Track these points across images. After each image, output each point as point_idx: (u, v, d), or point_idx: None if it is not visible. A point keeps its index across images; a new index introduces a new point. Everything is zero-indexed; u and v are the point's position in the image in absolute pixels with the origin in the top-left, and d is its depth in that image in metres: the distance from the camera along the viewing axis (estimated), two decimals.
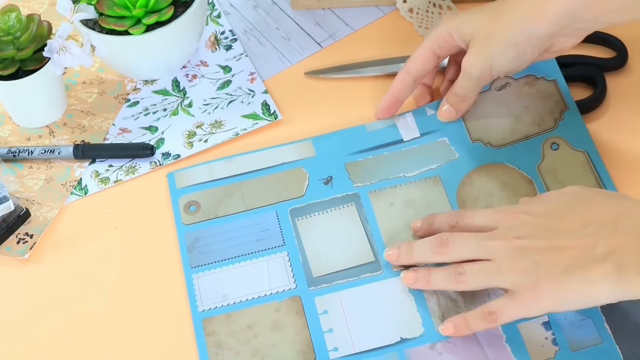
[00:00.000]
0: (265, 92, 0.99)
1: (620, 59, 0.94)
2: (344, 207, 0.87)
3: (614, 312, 0.77)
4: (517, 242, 0.76)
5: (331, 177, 0.89)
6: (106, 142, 0.97)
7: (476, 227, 0.80)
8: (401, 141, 0.91)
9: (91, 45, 0.95)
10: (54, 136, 0.98)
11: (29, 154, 0.95)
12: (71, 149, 0.95)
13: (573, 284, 0.72)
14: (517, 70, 0.86)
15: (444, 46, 0.89)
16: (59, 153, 0.95)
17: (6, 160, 0.96)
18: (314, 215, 0.87)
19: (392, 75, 0.97)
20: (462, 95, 0.89)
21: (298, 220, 0.87)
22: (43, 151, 0.95)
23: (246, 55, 1.03)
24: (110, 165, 0.96)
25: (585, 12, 0.82)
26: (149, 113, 0.99)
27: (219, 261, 0.86)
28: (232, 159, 0.93)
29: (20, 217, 0.91)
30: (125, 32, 0.95)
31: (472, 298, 0.79)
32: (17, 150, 0.96)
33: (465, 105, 0.90)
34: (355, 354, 0.79)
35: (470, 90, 0.88)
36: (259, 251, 0.86)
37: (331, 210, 0.87)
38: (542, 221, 0.76)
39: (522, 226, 0.77)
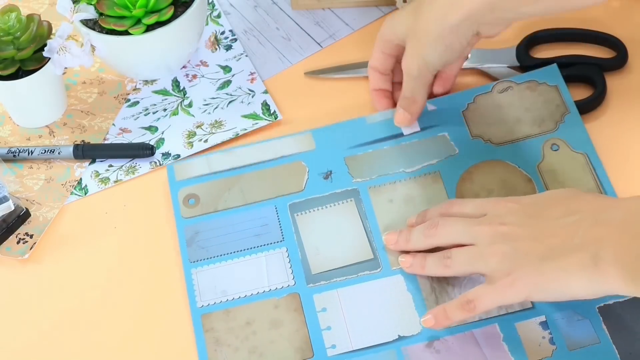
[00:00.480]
0: (265, 92, 0.99)
1: (620, 58, 0.94)
2: (343, 202, 0.87)
3: (610, 312, 0.77)
4: (501, 228, 0.77)
5: (330, 171, 0.89)
6: (106, 142, 0.97)
7: (465, 214, 0.81)
8: (401, 135, 0.91)
9: (91, 45, 0.95)
10: (54, 136, 0.98)
11: (29, 154, 0.96)
12: (71, 149, 0.95)
13: (549, 272, 0.72)
14: (453, 61, 0.87)
15: (390, 46, 0.91)
16: (59, 153, 0.95)
17: (6, 160, 0.96)
18: (313, 210, 0.87)
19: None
20: (410, 97, 0.89)
21: (297, 215, 0.87)
22: (43, 151, 0.95)
23: (246, 55, 1.03)
24: (110, 165, 0.96)
25: (504, 3, 0.82)
26: (149, 113, 0.99)
27: (218, 256, 0.86)
28: (231, 150, 0.93)
29: (20, 217, 0.91)
30: (125, 32, 0.95)
31: None
32: (17, 150, 0.96)
33: (417, 107, 0.90)
34: (353, 351, 0.79)
35: (416, 91, 0.89)
36: (258, 246, 0.86)
37: (330, 206, 0.87)
38: (528, 210, 0.77)
39: (509, 214, 0.78)
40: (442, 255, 0.79)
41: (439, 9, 0.84)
